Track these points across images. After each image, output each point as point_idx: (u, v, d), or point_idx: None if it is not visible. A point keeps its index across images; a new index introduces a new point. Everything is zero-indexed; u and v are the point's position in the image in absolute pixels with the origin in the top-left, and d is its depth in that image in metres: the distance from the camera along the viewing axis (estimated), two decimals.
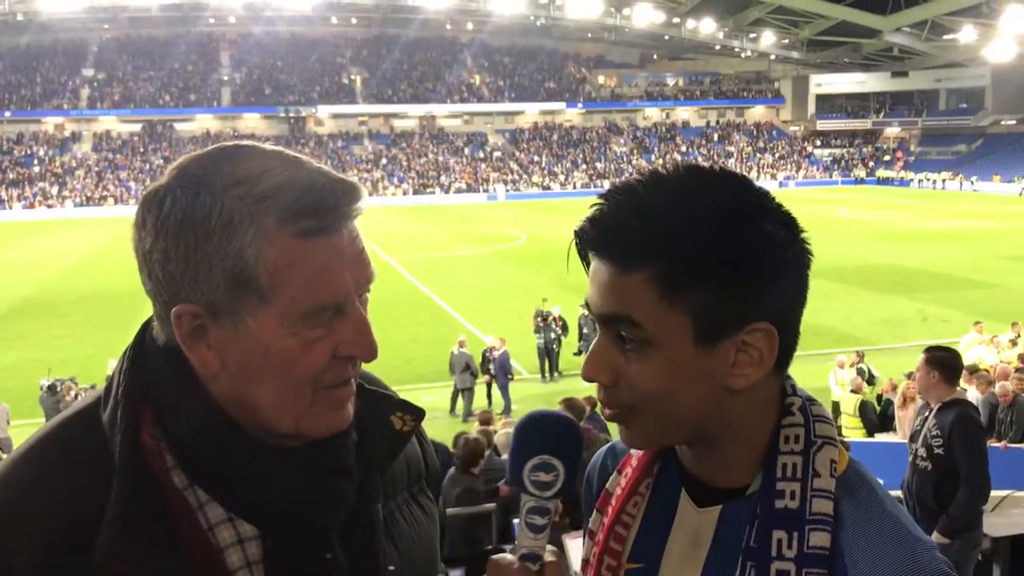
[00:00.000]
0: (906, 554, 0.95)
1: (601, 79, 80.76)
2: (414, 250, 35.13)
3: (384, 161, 70.15)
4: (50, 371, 14.71)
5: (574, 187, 66.41)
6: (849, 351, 15.56)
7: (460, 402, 15.56)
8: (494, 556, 1.08)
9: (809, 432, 1.03)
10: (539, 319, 17.29)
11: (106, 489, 0.98)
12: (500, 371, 15.78)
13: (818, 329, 19.62)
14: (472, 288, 26.45)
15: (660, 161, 70.47)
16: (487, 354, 15.90)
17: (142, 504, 0.98)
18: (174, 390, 1.03)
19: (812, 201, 49.94)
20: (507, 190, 65.16)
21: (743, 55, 76.78)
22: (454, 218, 49.69)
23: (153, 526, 0.98)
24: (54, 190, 61.79)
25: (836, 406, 12.84)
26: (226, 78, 74.44)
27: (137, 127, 69.88)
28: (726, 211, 0.97)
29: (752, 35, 72.21)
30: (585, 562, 1.17)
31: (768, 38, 71.46)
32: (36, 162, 64.83)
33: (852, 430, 11.90)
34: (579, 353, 17.91)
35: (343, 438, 1.07)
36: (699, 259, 0.95)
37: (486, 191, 65.62)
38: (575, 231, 1.03)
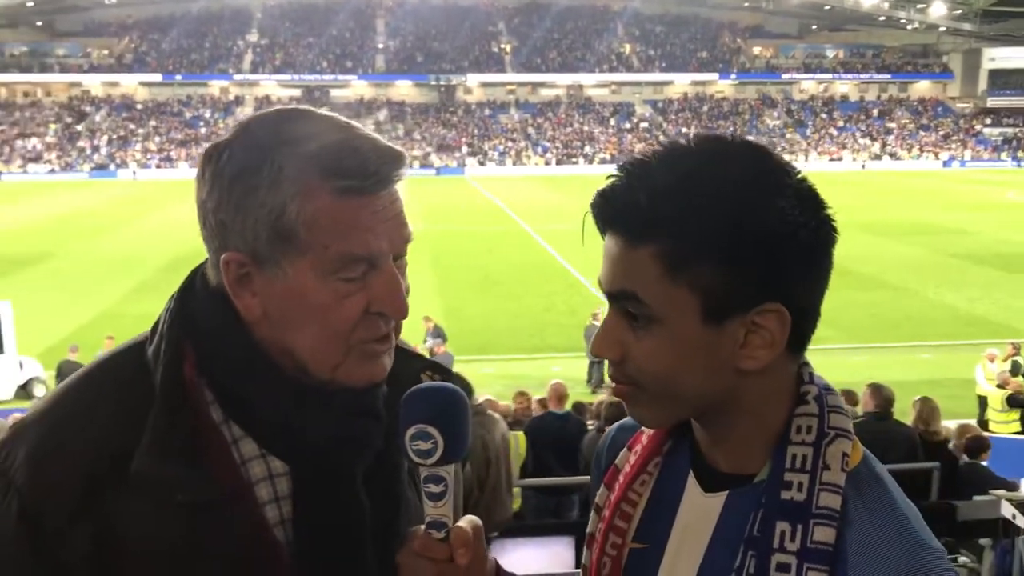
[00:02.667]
0: (910, 557, 0.92)
1: (757, 50, 78.24)
2: (553, 220, 35.09)
3: (529, 130, 70.40)
4: None
5: None
6: (1004, 343, 14.64)
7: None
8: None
9: (823, 423, 0.99)
10: None
11: (147, 420, 1.05)
12: None
13: (972, 319, 18.60)
14: None
15: (814, 135, 67.93)
16: None
17: (176, 433, 1.04)
18: (219, 331, 1.09)
19: (977, 182, 47.12)
20: None
21: (909, 27, 72.73)
22: (594, 188, 49.36)
23: (186, 455, 1.03)
24: None
25: (983, 401, 12.18)
26: (381, 45, 76.27)
27: (296, 92, 72.51)
28: (737, 187, 0.94)
29: (920, 5, 68.27)
30: (591, 536, 1.16)
31: (938, 9, 67.34)
32: (202, 124, 68.38)
33: (1000, 424, 11.30)
34: None
35: (377, 387, 1.12)
36: (705, 236, 0.93)
37: None
38: (590, 204, 1.02)
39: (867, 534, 0.94)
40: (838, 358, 14.97)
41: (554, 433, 7.54)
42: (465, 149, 67.24)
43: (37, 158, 62.64)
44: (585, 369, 15.81)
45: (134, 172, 60.06)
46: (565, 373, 16.11)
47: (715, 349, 0.97)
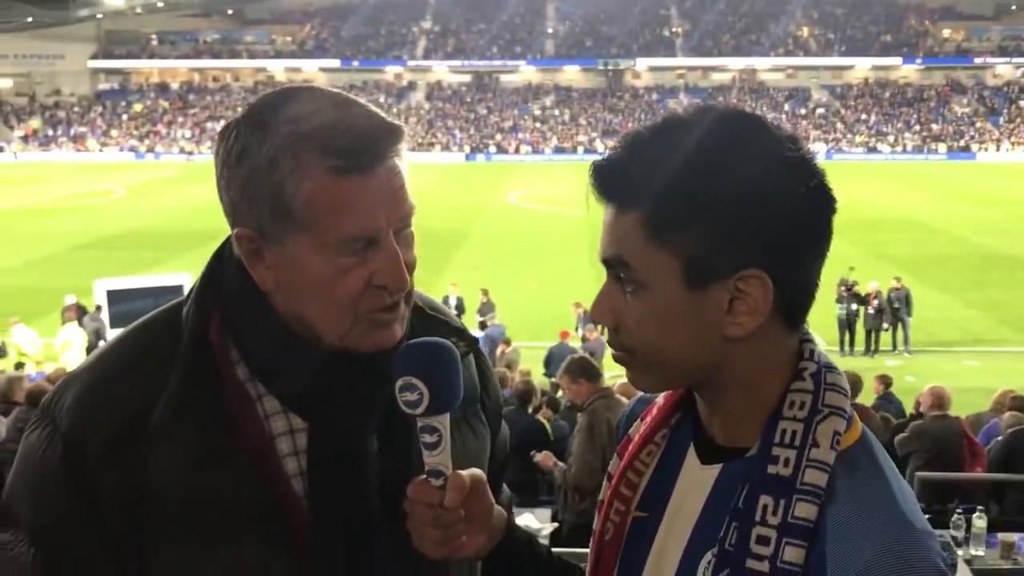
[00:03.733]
0: (889, 536, 0.92)
1: (946, 32, 73.49)
2: None
3: None
4: None
5: (904, 149, 61.31)
6: None
7: None
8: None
9: (817, 400, 0.99)
10: (843, 288, 16.34)
11: (171, 377, 1.12)
12: None
13: None
14: None
15: (1008, 125, 63.29)
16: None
17: (195, 388, 1.11)
18: (241, 298, 1.16)
19: None
20: (828, 149, 61.46)
21: None
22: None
23: (205, 409, 1.11)
24: None
25: None
26: (550, 30, 76.52)
27: (466, 77, 73.95)
28: (719, 154, 0.96)
29: None
30: (601, 503, 1.18)
31: None
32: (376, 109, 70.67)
33: None
34: (885, 329, 16.70)
35: (389, 352, 1.13)
36: (686, 201, 0.96)
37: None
38: (589, 175, 1.04)
39: (849, 513, 0.94)
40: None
41: None
42: None
43: None
44: None
45: None
46: None
47: (700, 314, 0.98)
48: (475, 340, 1.35)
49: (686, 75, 73.40)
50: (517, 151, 64.17)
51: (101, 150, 64.50)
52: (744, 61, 71.98)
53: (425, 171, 51.03)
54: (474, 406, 1.36)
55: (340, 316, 1.11)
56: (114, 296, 15.56)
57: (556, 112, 70.36)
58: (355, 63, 73.15)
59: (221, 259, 1.20)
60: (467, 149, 64.48)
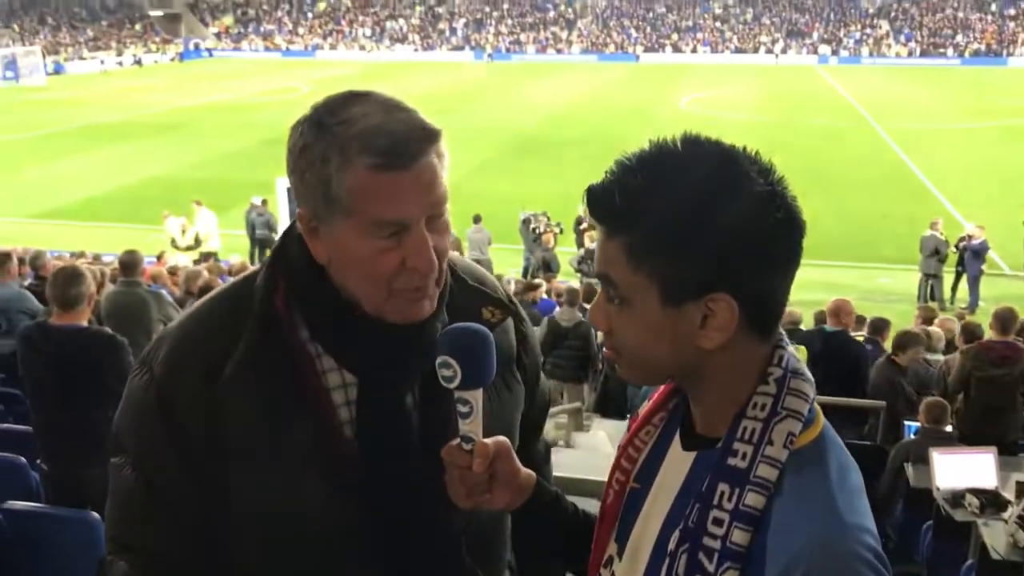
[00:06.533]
0: (820, 529, 1.03)
1: None
2: (907, 119, 32.39)
3: (892, 14, 64.47)
4: (524, 206, 16.28)
5: None
6: None
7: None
8: None
9: (777, 402, 1.12)
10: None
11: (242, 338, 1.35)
12: (973, 261, 14.30)
13: None
14: (964, 167, 24.01)
15: None
16: (961, 241, 14.49)
17: (262, 348, 1.33)
18: (303, 268, 1.37)
19: None
20: None
21: None
22: (963, 84, 44.53)
23: (270, 367, 1.33)
24: (564, 35, 66.41)
25: None
26: None
27: None
28: (693, 189, 1.07)
29: None
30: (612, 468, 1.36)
31: None
32: (551, 7, 69.90)
33: None
34: None
35: (420, 324, 1.36)
36: (661, 231, 1.08)
37: (1011, 55, 57.56)
38: (583, 197, 1.17)
39: (791, 506, 1.07)
40: None
41: (818, 351, 7.02)
42: (816, 35, 63.12)
43: (403, 39, 67.72)
44: (916, 284, 14.76)
45: (489, 55, 63.16)
46: (893, 286, 15.20)
47: (676, 328, 1.12)
48: (511, 308, 1.55)
49: None
50: (694, 51, 62.17)
51: (287, 47, 67.09)
52: None
53: (596, 71, 50.35)
54: (510, 365, 1.55)
55: (376, 290, 1.31)
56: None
57: (737, 11, 67.37)
58: None
59: (289, 235, 1.41)
60: (640, 49, 63.05)
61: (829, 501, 1.06)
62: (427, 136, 1.29)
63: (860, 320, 9.04)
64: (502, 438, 1.33)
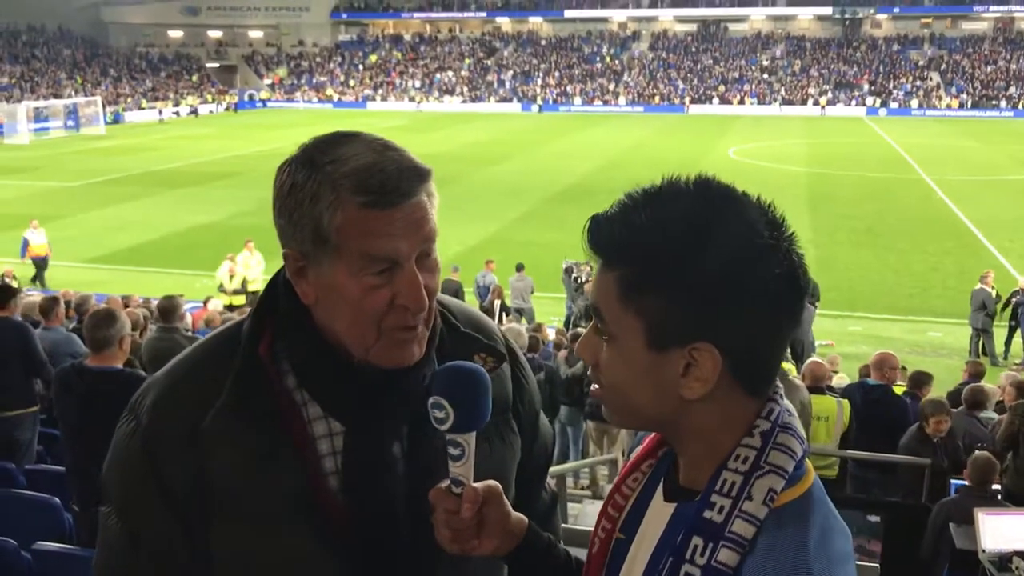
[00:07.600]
0: None
1: None
2: (957, 170, 31.94)
3: (943, 67, 63.97)
4: (567, 255, 16.23)
5: None
6: None
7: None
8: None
9: (761, 457, 1.06)
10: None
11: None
12: None
13: None
14: (1016, 218, 23.50)
15: None
16: (1015, 296, 14.15)
17: (245, 396, 1.30)
18: (290, 311, 1.35)
19: None
20: None
21: None
22: (1016, 136, 43.93)
23: (254, 415, 1.30)
24: (611, 86, 66.92)
25: None
26: None
27: (693, 27, 72.13)
28: (689, 233, 1.03)
29: None
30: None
31: None
32: (599, 59, 70.57)
33: None
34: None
35: (409, 370, 1.33)
36: (653, 271, 1.04)
37: None
38: (585, 228, 1.15)
39: (763, 567, 1.00)
40: None
41: (858, 404, 6.85)
42: (866, 87, 62.83)
43: (452, 91, 68.76)
44: (967, 338, 14.42)
45: (539, 106, 63.82)
46: (944, 340, 14.85)
47: (659, 373, 1.07)
48: (506, 355, 1.49)
49: (932, 23, 68.15)
50: (742, 103, 62.22)
51: (339, 98, 68.48)
52: (1003, 8, 65.69)
53: (643, 122, 50.58)
54: (505, 415, 1.50)
55: (365, 331, 1.28)
56: None
57: (785, 63, 67.40)
58: (566, 12, 73.16)
59: (275, 282, 1.40)
60: (687, 101, 63.24)
61: (802, 567, 0.99)
62: (418, 175, 1.28)
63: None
64: (493, 482, 1.29)
